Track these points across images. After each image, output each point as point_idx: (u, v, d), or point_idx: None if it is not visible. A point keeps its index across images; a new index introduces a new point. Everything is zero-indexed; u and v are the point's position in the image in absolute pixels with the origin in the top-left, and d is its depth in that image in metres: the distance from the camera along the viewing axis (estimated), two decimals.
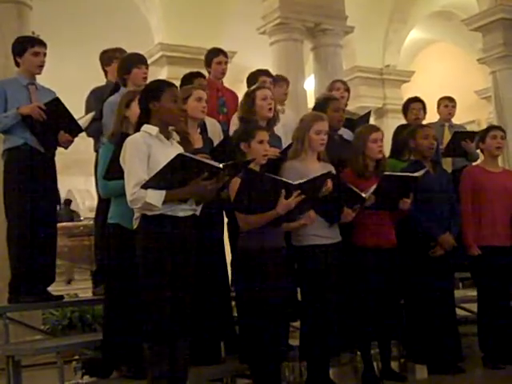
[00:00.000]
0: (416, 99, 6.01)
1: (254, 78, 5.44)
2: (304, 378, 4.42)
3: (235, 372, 4.38)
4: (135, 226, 3.48)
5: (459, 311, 6.03)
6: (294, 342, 4.44)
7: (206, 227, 4.01)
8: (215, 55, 5.69)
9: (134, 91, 4.15)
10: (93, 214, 5.62)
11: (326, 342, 4.11)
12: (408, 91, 12.24)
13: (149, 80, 4.32)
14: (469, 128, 6.95)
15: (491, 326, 4.86)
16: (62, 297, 4.88)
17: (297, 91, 8.50)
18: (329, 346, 4.13)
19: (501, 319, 4.87)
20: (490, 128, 5.29)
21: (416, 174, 4.46)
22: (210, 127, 4.67)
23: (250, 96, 4.61)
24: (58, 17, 11.14)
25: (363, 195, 4.18)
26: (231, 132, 4.74)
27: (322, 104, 5.05)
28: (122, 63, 4.78)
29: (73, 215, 11.63)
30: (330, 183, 4.01)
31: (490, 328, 4.86)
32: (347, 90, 5.97)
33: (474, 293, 5.19)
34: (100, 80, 5.44)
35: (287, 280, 4.03)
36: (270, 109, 4.57)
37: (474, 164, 5.64)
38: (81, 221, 10.49)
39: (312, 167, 4.23)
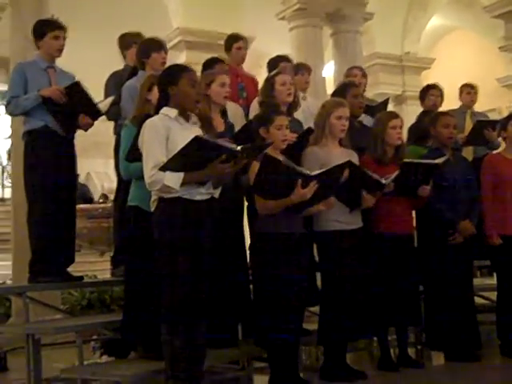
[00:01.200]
0: (434, 86, 5.98)
1: (275, 63, 5.44)
2: (320, 362, 4.44)
3: (252, 355, 4.40)
4: (153, 209, 3.50)
5: (477, 299, 6.01)
6: (312, 326, 4.46)
7: (225, 211, 4.01)
8: (235, 41, 5.70)
9: (155, 75, 4.15)
10: (112, 197, 5.66)
11: (343, 328, 4.12)
12: (428, 78, 12.13)
13: (168, 64, 4.32)
14: (490, 116, 6.87)
15: (510, 314, 4.83)
16: (81, 277, 4.93)
17: (316, 77, 8.45)
18: (346, 331, 4.14)
19: None
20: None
21: (437, 161, 4.44)
22: (232, 111, 4.68)
23: (269, 81, 4.63)
24: (76, 0, 11.14)
25: (383, 181, 4.17)
26: (251, 117, 4.74)
27: (341, 90, 5.04)
28: (142, 47, 4.79)
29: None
30: (346, 172, 3.99)
31: (509, 317, 4.84)
32: (364, 76, 5.94)
33: (492, 281, 5.18)
34: (119, 64, 5.46)
35: (304, 265, 4.03)
36: (290, 94, 4.57)
37: (494, 152, 5.59)
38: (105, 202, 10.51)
39: (333, 153, 4.22)
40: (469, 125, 6.01)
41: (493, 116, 7.12)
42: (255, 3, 10.84)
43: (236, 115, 4.69)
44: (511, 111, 9.46)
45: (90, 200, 10.76)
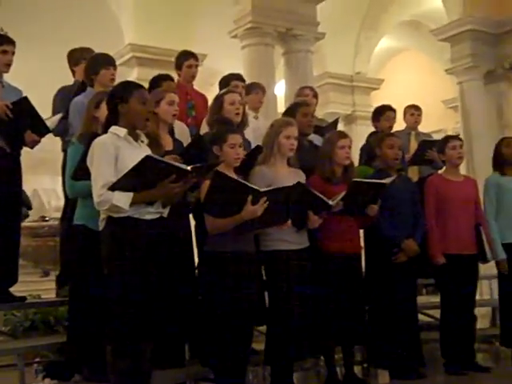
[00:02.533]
0: (391, 108, 6.03)
1: (227, 81, 5.45)
2: (267, 382, 4.44)
3: (199, 375, 4.37)
4: (101, 228, 3.46)
5: (422, 317, 6.12)
6: (259, 346, 4.46)
7: (173, 230, 3.99)
8: (186, 58, 5.67)
9: (103, 92, 4.13)
10: (59, 214, 5.56)
11: (291, 347, 4.13)
12: (377, 99, 12.36)
13: (117, 81, 4.30)
14: (435, 136, 7.04)
15: (453, 332, 4.93)
16: (24, 298, 4.82)
17: (267, 96, 8.46)
18: (294, 350, 4.15)
19: (463, 326, 4.95)
20: (448, 138, 5.32)
21: (384, 181, 4.51)
22: (178, 130, 4.67)
23: (218, 100, 4.65)
24: (24, 14, 11.00)
25: (330, 202, 4.20)
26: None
27: (291, 109, 5.08)
28: (90, 64, 4.75)
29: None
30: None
31: (452, 334, 4.93)
32: (315, 96, 6.00)
33: (437, 299, 5.26)
34: (67, 79, 5.40)
35: (254, 284, 4.04)
36: (238, 113, 4.60)
37: (439, 172, 5.71)
38: (47, 221, 10.32)
39: (281, 173, 4.25)
40: (413, 146, 6.13)
41: (439, 137, 7.28)
42: (208, 21, 10.88)
43: (182, 135, 4.68)
44: (456, 133, 9.73)
45: (28, 207, 10.46)
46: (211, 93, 5.45)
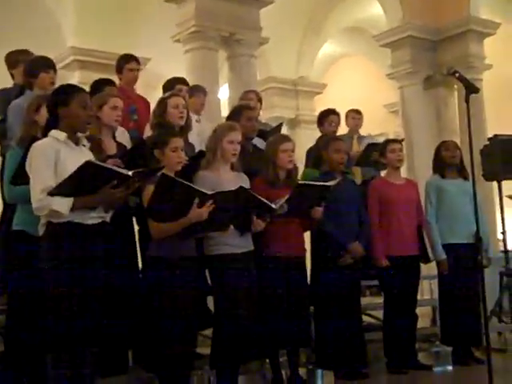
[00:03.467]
0: (334, 111, 6.13)
1: (170, 85, 5.42)
2: None
3: (143, 382, 4.32)
4: (41, 233, 3.39)
5: (366, 318, 6.21)
6: (204, 350, 4.44)
7: (116, 235, 3.95)
8: (127, 61, 5.60)
9: (43, 95, 4.05)
10: None
11: (236, 350, 4.12)
12: (320, 103, 12.49)
13: (58, 84, 4.23)
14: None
15: (395, 332, 5.02)
16: None
17: (211, 100, 8.49)
18: (239, 353, 4.15)
19: (405, 326, 5.04)
20: (388, 142, 5.45)
21: (329, 184, 4.55)
22: (119, 134, 4.62)
23: (161, 103, 4.62)
24: None
25: (273, 206, 4.22)
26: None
27: (235, 113, 5.09)
28: (29, 67, 4.67)
29: None
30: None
31: (394, 334, 5.02)
32: (260, 100, 6.03)
33: (380, 300, 5.35)
34: (8, 83, 5.29)
35: (197, 289, 4.03)
36: (182, 117, 4.58)
37: (381, 175, 5.81)
38: None
39: (224, 178, 4.24)
40: (356, 148, 6.23)
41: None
42: (151, 24, 10.81)
43: (121, 139, 4.63)
44: (397, 136, 9.89)
45: None
46: (154, 97, 5.41)
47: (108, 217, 3.54)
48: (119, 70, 5.62)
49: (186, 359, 3.94)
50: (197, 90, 5.77)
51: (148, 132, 4.76)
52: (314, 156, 5.57)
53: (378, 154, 5.84)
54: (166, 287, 3.86)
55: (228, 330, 4.12)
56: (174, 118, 4.55)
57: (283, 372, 4.61)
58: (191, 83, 6.26)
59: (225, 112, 7.42)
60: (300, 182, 4.49)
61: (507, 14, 12.83)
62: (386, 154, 5.28)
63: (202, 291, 4.20)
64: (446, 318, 5.37)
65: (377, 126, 11.70)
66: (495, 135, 7.37)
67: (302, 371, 4.79)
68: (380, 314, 5.60)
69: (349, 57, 15.71)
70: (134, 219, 4.56)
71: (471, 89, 3.75)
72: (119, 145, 4.42)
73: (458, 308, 5.22)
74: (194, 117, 5.46)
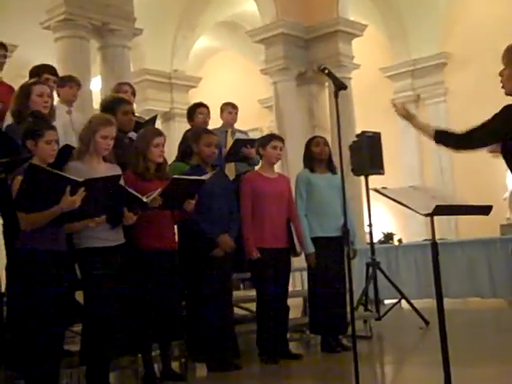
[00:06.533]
0: (203, 104, 6.14)
1: (37, 72, 5.21)
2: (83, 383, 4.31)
3: (8, 382, 4.13)
4: None
5: (239, 310, 6.29)
6: (74, 347, 4.32)
7: None
8: None
9: None
10: None
11: (106, 346, 4.04)
12: (195, 97, 12.49)
13: None
14: (251, 135, 7.27)
15: (268, 323, 5.12)
16: None
17: (82, 91, 8.24)
18: (109, 349, 4.08)
19: (277, 317, 5.16)
20: (272, 137, 5.54)
21: (203, 177, 4.56)
22: None
23: (25, 90, 4.42)
24: None
25: (144, 199, 4.17)
26: (4, 126, 4.48)
27: (111, 106, 4.97)
28: None
29: None
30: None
31: (267, 325, 5.12)
32: (133, 93, 5.93)
33: (253, 293, 5.43)
34: None
35: (65, 283, 3.92)
36: (46, 106, 4.42)
37: (255, 168, 5.89)
38: None
39: (97, 169, 4.14)
40: (230, 142, 6.27)
41: (254, 135, 7.54)
42: (19, 10, 10.35)
43: None
44: (271, 131, 10.10)
45: None
46: None
47: None
48: None
49: (54, 356, 3.82)
50: (70, 81, 5.58)
51: (8, 118, 4.53)
52: (182, 150, 5.55)
53: (249, 148, 5.94)
54: (31, 281, 3.73)
55: (97, 325, 4.03)
56: (37, 106, 4.37)
57: (156, 366, 4.58)
58: (62, 72, 6.06)
59: (96, 103, 7.23)
60: (175, 176, 4.46)
61: (375, 17, 13.45)
62: (266, 148, 5.34)
63: (69, 286, 4.06)
64: (315, 309, 5.54)
65: (251, 120, 11.88)
66: (363, 132, 7.71)
67: (174, 365, 4.78)
68: (253, 306, 5.68)
69: (225, 51, 15.81)
70: None
71: (340, 85, 3.87)
72: None
73: (326, 298, 5.40)
74: (64, 108, 5.30)
